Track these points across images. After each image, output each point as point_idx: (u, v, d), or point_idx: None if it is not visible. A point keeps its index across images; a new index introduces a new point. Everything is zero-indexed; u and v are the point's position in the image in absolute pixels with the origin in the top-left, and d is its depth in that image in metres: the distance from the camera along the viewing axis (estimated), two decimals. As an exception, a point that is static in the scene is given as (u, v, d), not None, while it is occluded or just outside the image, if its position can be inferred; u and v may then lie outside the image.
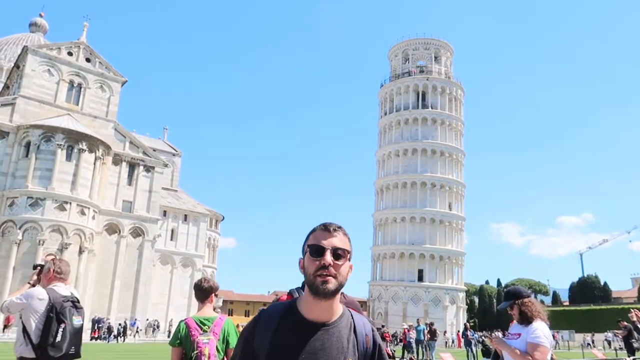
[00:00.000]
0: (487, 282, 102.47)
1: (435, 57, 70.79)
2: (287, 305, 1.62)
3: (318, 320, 1.56)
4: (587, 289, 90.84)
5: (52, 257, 4.64)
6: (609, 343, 45.67)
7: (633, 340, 12.70)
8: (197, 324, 3.84)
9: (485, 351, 17.58)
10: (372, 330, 1.68)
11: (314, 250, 1.56)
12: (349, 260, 1.60)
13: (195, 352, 3.68)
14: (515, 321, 4.42)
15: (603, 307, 76.64)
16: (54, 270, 4.33)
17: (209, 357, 3.65)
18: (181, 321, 3.97)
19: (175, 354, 3.81)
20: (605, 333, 49.90)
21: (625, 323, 14.45)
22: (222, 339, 3.82)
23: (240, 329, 4.29)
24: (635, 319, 8.26)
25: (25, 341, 4.02)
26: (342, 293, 3.07)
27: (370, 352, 1.64)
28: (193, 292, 4.20)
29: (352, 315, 1.66)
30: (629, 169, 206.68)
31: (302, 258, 1.62)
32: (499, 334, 23.72)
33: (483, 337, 26.04)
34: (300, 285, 3.13)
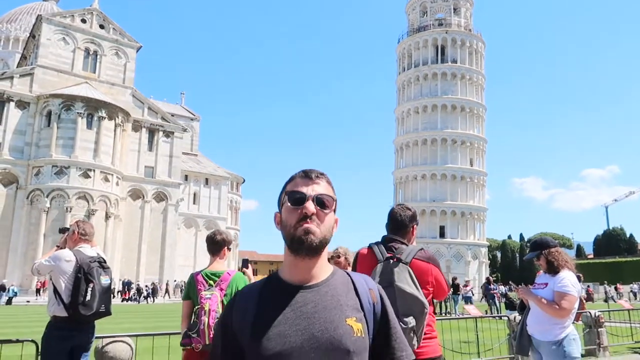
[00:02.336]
0: (509, 237, 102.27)
1: (455, 9, 68.39)
2: (265, 278, 1.40)
3: (305, 283, 1.32)
4: (612, 242, 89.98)
5: (77, 220, 4.72)
6: (635, 295, 45.50)
7: None
8: (204, 278, 3.81)
9: (509, 304, 17.63)
10: (378, 287, 1.41)
11: (294, 198, 1.31)
12: (334, 211, 1.36)
13: (197, 307, 3.68)
14: (541, 271, 4.36)
15: (629, 259, 76.06)
16: (78, 233, 4.41)
17: (209, 313, 3.59)
18: (192, 274, 3.96)
19: (185, 306, 3.87)
20: (631, 285, 49.68)
21: None
22: (230, 294, 3.73)
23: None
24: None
25: (57, 301, 4.14)
26: (422, 248, 3.08)
27: (380, 309, 1.36)
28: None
29: (348, 274, 1.40)
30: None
31: (278, 212, 1.36)
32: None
33: (506, 290, 26.14)
34: (380, 240, 3.12)
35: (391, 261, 2.85)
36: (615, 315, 12.04)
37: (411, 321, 2.67)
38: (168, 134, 49.67)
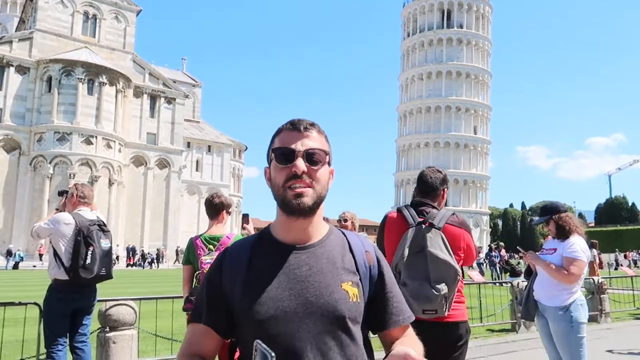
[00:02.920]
0: (511, 206, 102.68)
1: (462, -28, 66.60)
2: (257, 234, 1.30)
3: (299, 243, 1.23)
4: (614, 210, 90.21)
5: (76, 183, 4.64)
6: (635, 262, 45.86)
7: None
8: (203, 242, 3.73)
9: (511, 271, 17.74)
10: (374, 248, 1.33)
11: (281, 154, 1.19)
12: (329, 164, 1.23)
13: (198, 272, 3.60)
14: (550, 237, 4.28)
15: (629, 227, 76.30)
16: (77, 195, 4.33)
17: None
18: (191, 239, 3.88)
19: (186, 271, 3.80)
20: (632, 252, 49.98)
21: None
22: None
23: None
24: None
25: (57, 264, 4.10)
26: (454, 213, 2.94)
27: (377, 272, 1.28)
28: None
29: (343, 233, 1.31)
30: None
31: (267, 167, 1.25)
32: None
33: (507, 257, 26.36)
34: (409, 203, 3.00)
35: (423, 226, 2.74)
36: (617, 282, 12.08)
37: (443, 288, 2.61)
38: (170, 101, 49.25)
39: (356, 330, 1.20)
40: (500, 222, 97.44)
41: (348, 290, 1.20)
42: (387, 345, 1.28)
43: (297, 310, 1.16)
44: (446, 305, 2.63)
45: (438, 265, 2.64)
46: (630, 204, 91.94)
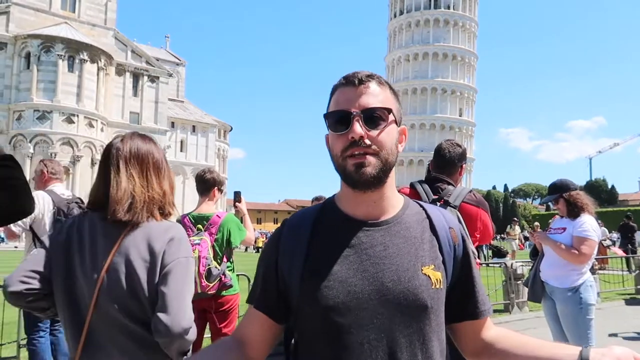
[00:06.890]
0: (494, 188, 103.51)
1: (450, -49, 65.96)
2: (320, 206, 1.11)
3: (370, 219, 1.04)
4: (594, 192, 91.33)
5: (43, 159, 4.24)
6: (614, 243, 46.76)
7: None
8: (191, 222, 3.51)
9: (497, 251, 17.87)
10: (459, 224, 1.15)
11: (335, 119, 1.01)
12: (397, 123, 1.03)
13: None
14: (557, 216, 4.18)
15: (608, 209, 77.73)
16: (48, 172, 3.95)
17: (199, 260, 3.29)
18: (178, 217, 3.59)
19: None
20: (611, 234, 50.98)
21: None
22: (221, 238, 3.45)
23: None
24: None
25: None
26: (471, 190, 2.74)
27: (462, 252, 1.10)
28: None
29: (422, 206, 1.12)
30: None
31: (327, 133, 1.07)
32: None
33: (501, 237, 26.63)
34: (424, 178, 2.80)
35: (438, 204, 2.52)
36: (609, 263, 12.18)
37: None
38: (153, 79, 48.26)
39: (438, 321, 1.04)
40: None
41: (430, 275, 1.03)
42: (464, 338, 1.13)
43: (371, 297, 0.99)
44: None
45: None
46: (609, 187, 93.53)
